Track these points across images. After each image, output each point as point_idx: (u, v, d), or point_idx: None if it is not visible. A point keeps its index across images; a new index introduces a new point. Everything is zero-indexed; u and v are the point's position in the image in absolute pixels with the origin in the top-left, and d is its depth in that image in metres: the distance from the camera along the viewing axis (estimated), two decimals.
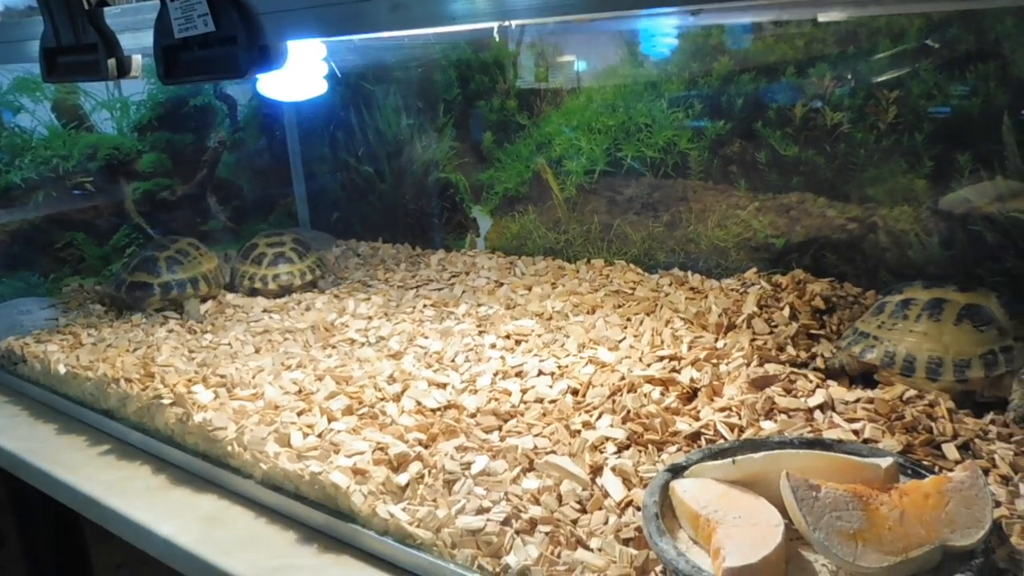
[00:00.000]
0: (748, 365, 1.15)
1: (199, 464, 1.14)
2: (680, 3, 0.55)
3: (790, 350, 1.21)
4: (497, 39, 1.73)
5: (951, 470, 0.89)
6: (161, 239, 1.78)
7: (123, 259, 1.91)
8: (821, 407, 1.03)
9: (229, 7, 0.80)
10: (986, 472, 0.88)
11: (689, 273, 1.60)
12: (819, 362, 1.17)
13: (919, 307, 1.13)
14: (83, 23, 0.96)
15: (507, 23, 0.83)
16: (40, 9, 0.99)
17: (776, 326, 1.28)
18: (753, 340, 1.23)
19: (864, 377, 1.16)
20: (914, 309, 1.13)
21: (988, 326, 1.09)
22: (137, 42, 0.96)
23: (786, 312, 1.30)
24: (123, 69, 0.98)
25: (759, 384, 1.09)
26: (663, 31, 1.57)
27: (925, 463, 0.89)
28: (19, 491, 1.58)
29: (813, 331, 1.26)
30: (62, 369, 1.36)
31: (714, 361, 1.17)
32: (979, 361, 1.06)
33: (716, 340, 1.26)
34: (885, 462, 0.80)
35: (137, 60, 0.99)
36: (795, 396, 1.07)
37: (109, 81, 0.97)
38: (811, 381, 1.11)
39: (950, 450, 0.93)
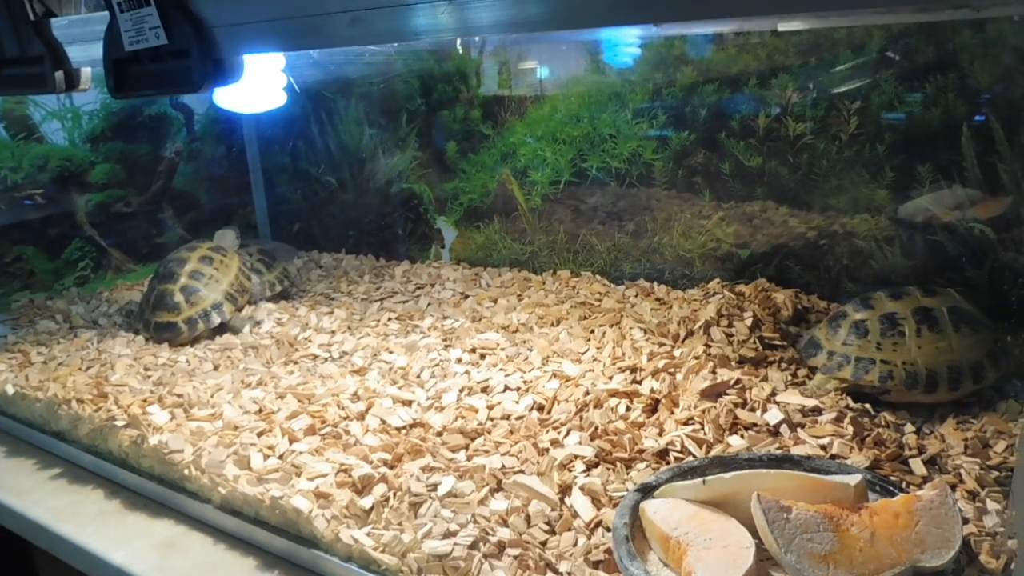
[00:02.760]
0: (698, 372, 1.15)
1: (155, 488, 1.10)
2: (633, 22, 0.54)
3: (746, 355, 1.21)
4: (460, 50, 1.71)
5: (919, 485, 0.89)
6: (171, 262, 1.62)
7: (76, 273, 1.85)
8: (786, 422, 1.03)
9: (181, 20, 0.77)
10: (953, 487, 0.89)
11: (655, 284, 1.60)
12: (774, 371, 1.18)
13: (911, 320, 1.13)
14: (28, 34, 0.93)
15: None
16: None
17: (733, 335, 1.28)
18: (708, 349, 1.22)
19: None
20: (907, 323, 1.13)
21: (980, 326, 1.12)
22: (86, 54, 0.93)
23: (748, 322, 1.30)
24: (71, 82, 0.94)
25: (709, 393, 1.09)
26: (626, 42, 1.57)
27: (893, 479, 0.89)
28: None
29: (775, 342, 1.26)
30: (10, 389, 1.31)
31: (672, 371, 1.17)
32: (989, 361, 1.09)
33: (674, 349, 1.26)
34: (854, 479, 0.80)
35: (86, 73, 0.95)
36: (752, 409, 1.06)
37: (57, 94, 0.93)
38: (764, 389, 1.11)
39: (917, 465, 0.93)
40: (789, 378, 1.18)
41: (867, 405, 1.08)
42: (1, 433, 1.35)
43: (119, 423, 1.15)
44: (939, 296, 1.16)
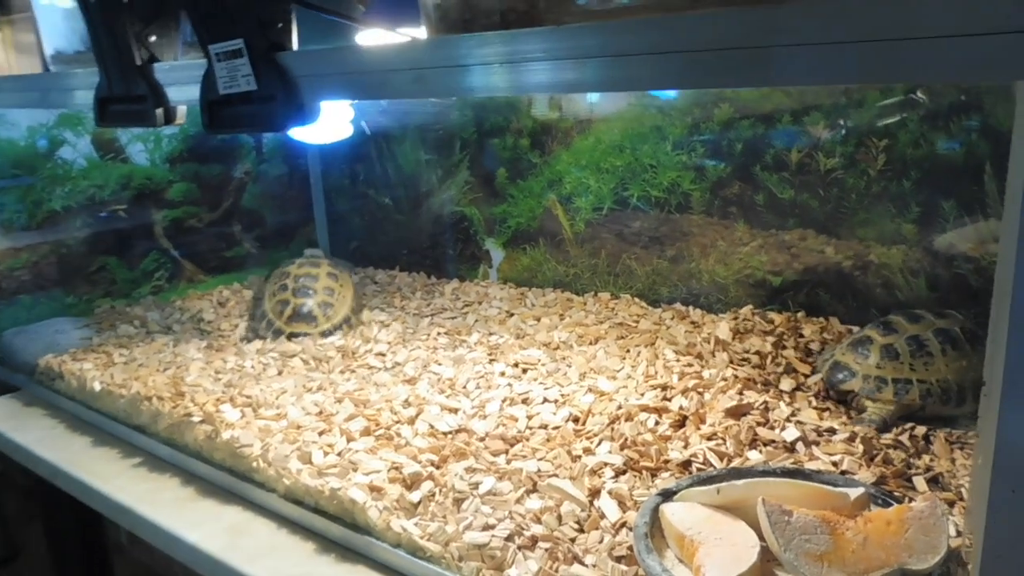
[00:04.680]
0: (725, 392, 1.23)
1: (225, 478, 1.22)
2: (655, 87, 0.64)
3: (772, 378, 1.29)
4: None
5: None
6: (302, 277, 1.78)
7: (152, 283, 2.01)
8: (802, 439, 1.11)
9: (270, 70, 0.90)
10: (952, 504, 0.96)
11: (690, 308, 1.69)
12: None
13: (934, 340, 1.21)
14: (134, 76, 1.07)
15: None
16: (96, 62, 1.09)
17: (761, 359, 1.36)
18: (736, 371, 1.31)
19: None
20: (932, 344, 1.21)
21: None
22: (182, 94, 1.06)
23: (776, 348, 1.38)
24: (169, 117, 1.08)
25: (734, 412, 1.17)
26: None
27: (896, 494, 0.96)
28: (50, 504, 1.67)
29: (800, 368, 1.34)
30: (97, 386, 1.46)
31: (700, 390, 1.25)
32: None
33: (703, 370, 1.34)
34: (855, 492, 0.88)
35: (182, 110, 1.09)
36: (772, 427, 1.15)
37: (157, 127, 1.07)
38: (784, 410, 1.19)
39: (920, 483, 1.00)
40: (812, 400, 1.25)
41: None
42: (88, 425, 1.49)
43: (195, 419, 1.27)
44: (949, 318, 1.25)
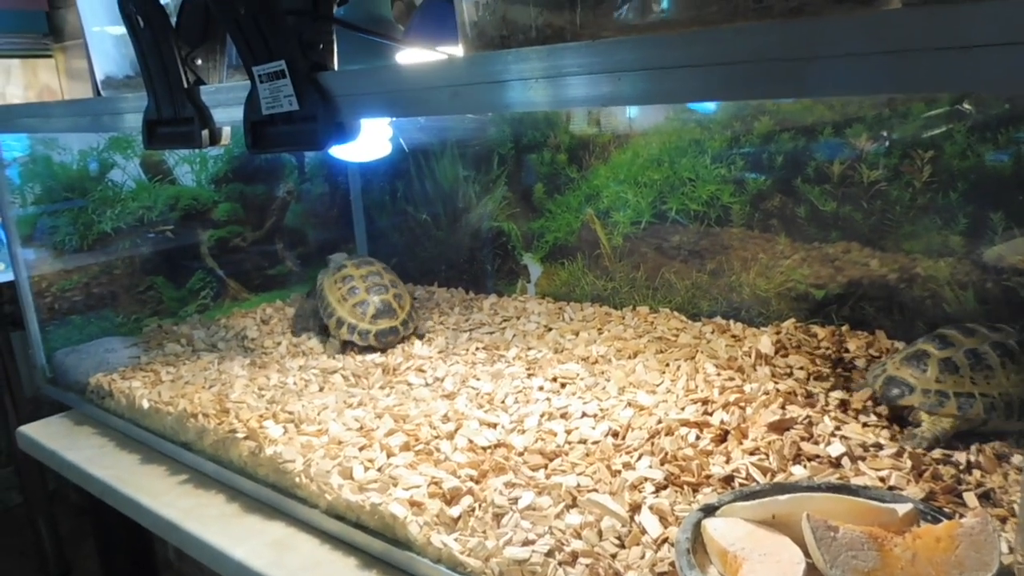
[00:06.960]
0: (768, 406, 1.21)
1: (269, 494, 1.23)
2: (691, 99, 0.64)
3: (815, 392, 1.27)
4: None
5: None
6: (371, 275, 1.83)
7: (198, 301, 2.05)
8: (847, 454, 1.09)
9: (312, 90, 0.91)
10: (1004, 520, 0.93)
11: (731, 321, 1.67)
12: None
13: (993, 354, 1.18)
14: (182, 99, 1.09)
15: None
16: (145, 86, 1.13)
17: (804, 373, 1.34)
18: (777, 385, 1.29)
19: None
20: (991, 357, 1.18)
21: None
22: (228, 116, 1.09)
23: (819, 362, 1.35)
24: (214, 138, 1.10)
25: (776, 427, 1.16)
26: None
27: (946, 510, 0.94)
28: (102, 522, 1.71)
29: (845, 382, 1.32)
30: (145, 404, 1.49)
31: (742, 404, 1.24)
32: None
33: (744, 384, 1.32)
34: (903, 508, 0.86)
35: (227, 131, 1.12)
36: (816, 442, 1.13)
37: (203, 148, 1.10)
38: (828, 425, 1.17)
39: (971, 498, 0.98)
40: (855, 415, 1.23)
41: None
42: (136, 442, 1.52)
43: (239, 435, 1.29)
44: (1002, 331, 1.22)
